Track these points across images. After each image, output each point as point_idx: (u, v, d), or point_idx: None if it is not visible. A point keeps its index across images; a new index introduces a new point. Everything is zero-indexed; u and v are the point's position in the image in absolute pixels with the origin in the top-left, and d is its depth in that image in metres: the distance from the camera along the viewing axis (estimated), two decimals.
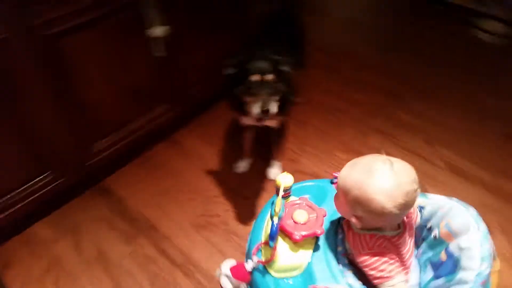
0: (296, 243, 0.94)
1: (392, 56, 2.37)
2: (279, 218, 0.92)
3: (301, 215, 0.95)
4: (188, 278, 1.33)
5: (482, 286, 0.81)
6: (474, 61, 2.32)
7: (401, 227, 0.93)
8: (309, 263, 0.94)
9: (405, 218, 0.94)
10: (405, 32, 2.60)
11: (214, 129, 1.88)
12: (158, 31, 1.42)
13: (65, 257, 1.40)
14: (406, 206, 0.83)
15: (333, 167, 1.69)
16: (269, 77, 1.26)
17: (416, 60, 2.33)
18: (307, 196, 1.03)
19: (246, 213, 1.52)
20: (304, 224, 0.94)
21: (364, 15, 2.81)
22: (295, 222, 0.94)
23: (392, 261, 0.89)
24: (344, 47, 2.47)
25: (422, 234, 1.00)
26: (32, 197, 1.38)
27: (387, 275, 0.88)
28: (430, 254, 0.95)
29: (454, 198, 0.95)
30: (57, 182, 1.43)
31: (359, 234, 0.91)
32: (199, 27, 1.62)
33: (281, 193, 0.96)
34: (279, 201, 0.93)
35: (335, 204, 0.94)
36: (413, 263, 0.97)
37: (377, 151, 1.54)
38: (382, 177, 0.82)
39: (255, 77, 1.25)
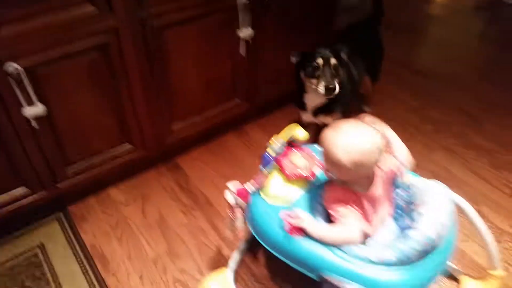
0: (288, 180, 1.11)
1: (481, 81, 2.30)
2: (274, 152, 1.11)
3: (298, 159, 1.13)
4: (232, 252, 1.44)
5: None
6: None
7: (369, 188, 1.05)
8: (297, 201, 1.10)
9: (378, 182, 1.06)
10: (504, 61, 2.49)
11: (280, 126, 1.98)
12: (246, 33, 1.58)
13: (131, 217, 1.59)
14: (362, 164, 0.97)
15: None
16: (332, 61, 1.44)
17: (506, 89, 2.23)
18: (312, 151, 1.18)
19: None
20: (299, 167, 1.12)
21: (464, 39, 2.73)
22: (292, 163, 1.12)
23: (351, 209, 1.03)
24: (434, 66, 2.45)
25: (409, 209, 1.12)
26: (114, 161, 1.59)
27: (342, 217, 1.02)
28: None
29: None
30: (137, 153, 1.64)
31: (334, 185, 1.07)
32: (281, 33, 1.76)
33: (286, 136, 1.13)
34: (278, 137, 1.12)
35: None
36: (391, 225, 1.12)
37: (442, 168, 1.52)
38: (344, 135, 0.98)
39: (319, 60, 1.43)
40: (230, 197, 1.18)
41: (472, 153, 1.84)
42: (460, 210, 1.21)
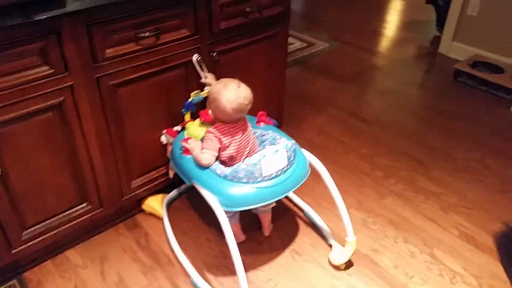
0: (202, 123, 1.56)
1: (422, 128, 2.47)
2: (193, 100, 1.57)
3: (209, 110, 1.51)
4: None
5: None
6: (505, 139, 2.37)
7: (236, 123, 1.46)
8: (202, 137, 1.50)
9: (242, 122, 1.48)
10: (440, 109, 2.69)
11: None
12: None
13: (90, 281, 1.53)
14: (238, 110, 1.40)
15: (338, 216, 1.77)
16: None
17: (445, 135, 2.41)
18: None
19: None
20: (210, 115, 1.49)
21: (405, 87, 2.94)
22: (207, 114, 1.49)
23: (213, 140, 1.42)
24: (378, 114, 2.61)
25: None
26: (70, 224, 1.54)
27: (205, 142, 1.44)
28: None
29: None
30: (94, 212, 1.60)
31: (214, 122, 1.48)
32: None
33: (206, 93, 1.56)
34: (198, 92, 1.59)
35: (207, 108, 1.49)
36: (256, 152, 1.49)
37: (394, 212, 1.65)
38: (229, 91, 1.39)
39: None
40: (163, 138, 1.64)
41: (421, 197, 1.96)
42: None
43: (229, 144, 1.44)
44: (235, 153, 1.46)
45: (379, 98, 2.80)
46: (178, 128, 1.64)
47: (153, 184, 1.76)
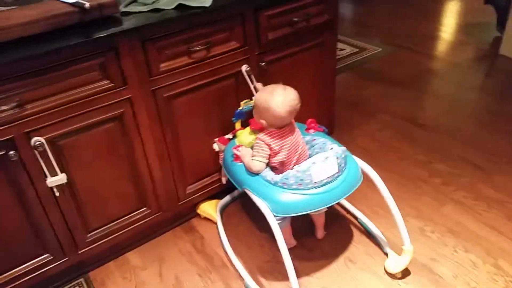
0: (252, 131, 1.59)
1: (482, 133, 2.35)
2: (243, 109, 1.62)
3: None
4: None
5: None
6: None
7: (285, 127, 1.47)
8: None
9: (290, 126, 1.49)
10: (501, 113, 2.56)
11: None
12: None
13: (149, 282, 1.61)
14: (291, 111, 1.42)
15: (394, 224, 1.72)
16: None
17: (506, 139, 2.28)
18: None
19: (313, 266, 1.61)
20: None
21: (463, 91, 2.82)
22: (256, 122, 1.52)
23: (263, 147, 1.44)
24: (435, 119, 2.52)
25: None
26: (130, 227, 1.64)
27: (256, 152, 1.45)
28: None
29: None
30: (153, 216, 1.69)
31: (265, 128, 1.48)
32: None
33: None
34: (248, 101, 1.62)
35: (255, 118, 1.51)
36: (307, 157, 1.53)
37: (454, 221, 1.58)
38: (278, 95, 1.41)
39: None
40: (215, 146, 1.69)
41: (483, 204, 1.85)
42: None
43: (280, 150, 1.46)
44: (286, 158, 1.47)
45: (435, 103, 2.70)
46: (229, 136, 1.69)
47: (207, 190, 1.82)
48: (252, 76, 1.66)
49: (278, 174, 1.43)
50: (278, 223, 1.37)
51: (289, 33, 1.71)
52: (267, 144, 1.44)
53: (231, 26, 1.55)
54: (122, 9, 1.43)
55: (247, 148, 1.52)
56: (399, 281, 1.55)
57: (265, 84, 1.66)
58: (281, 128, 1.46)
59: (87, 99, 1.34)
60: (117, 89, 1.39)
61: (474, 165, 2.09)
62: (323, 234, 1.72)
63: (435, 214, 1.83)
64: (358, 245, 1.70)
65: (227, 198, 1.93)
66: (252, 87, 1.66)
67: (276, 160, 1.47)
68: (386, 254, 1.64)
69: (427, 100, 2.76)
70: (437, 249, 1.66)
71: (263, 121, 1.45)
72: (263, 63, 1.69)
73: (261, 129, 1.52)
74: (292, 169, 1.41)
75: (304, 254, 1.67)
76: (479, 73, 3.08)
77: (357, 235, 1.75)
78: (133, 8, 1.44)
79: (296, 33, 1.74)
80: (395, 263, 1.55)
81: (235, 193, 1.96)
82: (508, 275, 1.54)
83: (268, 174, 1.43)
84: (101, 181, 1.50)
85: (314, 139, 1.59)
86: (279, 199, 1.37)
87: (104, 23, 1.34)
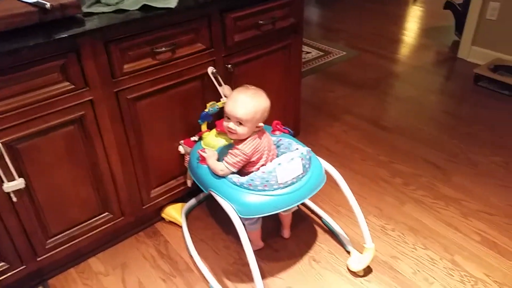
0: (219, 133, 1.60)
1: (442, 135, 2.44)
2: (209, 111, 1.60)
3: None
4: None
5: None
6: None
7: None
8: (219, 147, 1.56)
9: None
10: (460, 115, 2.66)
11: None
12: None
13: None
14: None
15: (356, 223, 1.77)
16: None
17: (464, 141, 2.38)
18: None
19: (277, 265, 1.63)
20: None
21: (424, 94, 2.92)
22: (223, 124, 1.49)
23: (241, 161, 1.43)
24: (397, 120, 2.59)
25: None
26: (92, 233, 1.60)
27: (231, 159, 1.43)
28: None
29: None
30: (116, 221, 1.66)
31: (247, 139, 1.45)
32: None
33: (222, 103, 1.60)
34: (214, 103, 1.61)
35: (243, 134, 1.43)
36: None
37: (414, 219, 1.61)
38: (264, 98, 1.46)
39: None
40: (181, 148, 1.70)
41: (441, 203, 1.93)
42: None
43: (257, 160, 1.46)
44: (256, 159, 1.47)
45: (397, 105, 2.79)
46: (195, 138, 1.69)
47: (172, 193, 1.80)
48: (219, 78, 1.66)
49: (243, 175, 1.44)
50: (250, 226, 1.38)
51: (255, 35, 1.72)
52: (247, 156, 1.43)
53: (197, 27, 1.55)
54: (85, 9, 1.40)
55: (212, 150, 1.52)
56: (362, 279, 1.59)
57: (232, 86, 1.67)
58: (255, 134, 1.46)
59: (47, 101, 1.30)
60: (78, 91, 1.35)
61: (433, 166, 2.17)
62: (289, 234, 1.74)
63: (396, 213, 1.88)
64: (322, 244, 1.73)
65: (192, 201, 1.92)
66: (220, 89, 1.65)
67: (251, 168, 1.47)
68: (348, 252, 1.68)
69: (390, 102, 2.84)
70: (397, 247, 1.71)
71: (261, 124, 1.45)
72: (229, 65, 1.69)
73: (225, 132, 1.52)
74: (258, 170, 1.42)
75: (269, 254, 1.69)
76: (439, 76, 3.20)
77: (321, 234, 1.78)
78: (96, 8, 1.41)
79: (262, 36, 1.75)
80: (357, 261, 1.59)
81: (201, 196, 1.95)
82: (463, 270, 1.61)
83: (234, 176, 1.43)
84: (61, 186, 1.46)
85: (280, 140, 1.61)
86: (244, 200, 1.38)
87: (66, 23, 1.30)
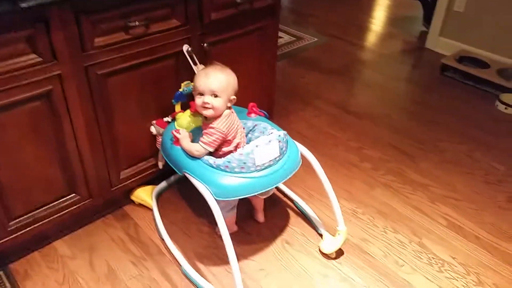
0: (193, 114, 1.54)
1: (410, 121, 2.50)
2: (184, 90, 1.54)
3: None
4: None
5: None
6: (491, 133, 2.41)
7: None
8: (193, 128, 1.53)
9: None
10: (427, 102, 2.73)
11: None
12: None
13: (79, 271, 1.52)
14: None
15: (328, 207, 1.79)
16: None
17: (432, 128, 2.44)
18: None
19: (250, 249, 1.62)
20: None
21: (392, 82, 2.96)
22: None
23: (217, 140, 1.39)
24: (367, 107, 2.62)
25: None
26: (58, 215, 1.53)
27: (207, 139, 1.39)
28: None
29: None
30: (83, 203, 1.59)
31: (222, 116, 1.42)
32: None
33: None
34: (188, 83, 1.55)
35: (219, 108, 1.40)
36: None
37: (383, 203, 1.65)
38: (232, 72, 1.43)
39: None
40: (153, 129, 1.63)
41: (409, 188, 1.98)
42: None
43: (232, 138, 1.44)
44: (231, 138, 1.45)
45: (367, 92, 2.82)
46: (168, 119, 1.63)
47: (142, 175, 1.75)
48: (195, 57, 1.61)
49: (217, 156, 1.41)
50: (226, 213, 1.36)
51: (232, 14, 1.68)
52: (223, 134, 1.40)
53: (173, 3, 1.48)
54: None
55: (186, 131, 1.48)
56: (333, 261, 1.61)
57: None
58: (228, 112, 1.43)
59: (11, 73, 1.21)
60: (46, 65, 1.27)
61: (401, 152, 2.22)
62: (263, 217, 1.74)
63: (365, 197, 1.92)
64: (295, 227, 1.74)
65: (163, 184, 1.87)
66: (194, 68, 1.60)
67: (226, 148, 1.44)
68: (320, 235, 1.69)
69: (359, 89, 2.88)
70: (368, 230, 1.75)
71: (234, 97, 1.44)
72: (205, 44, 1.64)
73: (200, 113, 1.48)
74: (235, 151, 1.40)
75: (243, 237, 1.67)
76: (407, 65, 3.27)
77: (293, 217, 1.79)
78: None
79: (239, 15, 1.71)
80: (330, 244, 1.61)
81: (172, 179, 1.90)
82: (431, 252, 1.66)
83: (210, 157, 1.40)
84: (26, 165, 1.38)
85: (256, 125, 1.59)
86: (221, 182, 1.35)
87: None
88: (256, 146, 1.35)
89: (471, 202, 1.91)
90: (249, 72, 1.92)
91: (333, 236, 1.63)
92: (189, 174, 1.41)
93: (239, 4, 1.68)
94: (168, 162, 1.54)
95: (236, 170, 1.35)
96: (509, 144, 2.32)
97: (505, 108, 2.58)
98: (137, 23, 1.41)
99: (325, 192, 1.56)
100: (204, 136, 1.41)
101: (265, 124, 1.57)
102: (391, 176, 2.05)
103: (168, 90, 1.62)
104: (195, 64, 1.61)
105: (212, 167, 1.38)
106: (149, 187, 1.82)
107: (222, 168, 1.36)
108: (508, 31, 2.91)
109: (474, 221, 1.81)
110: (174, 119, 1.61)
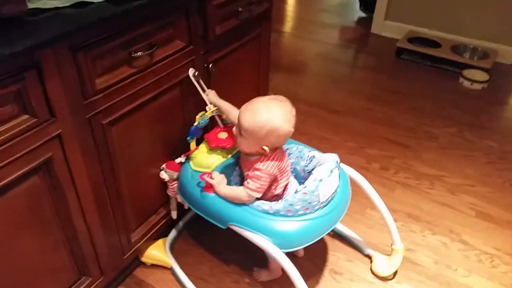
0: (211, 150, 1.31)
1: (392, 109, 2.45)
2: (200, 123, 1.29)
3: (221, 134, 1.33)
4: None
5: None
6: (466, 111, 2.44)
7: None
8: (217, 167, 1.28)
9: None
10: (397, 85, 2.71)
11: None
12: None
13: None
14: (294, 124, 1.14)
15: (365, 225, 1.68)
16: None
17: (414, 112, 2.42)
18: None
19: None
20: (221, 139, 1.32)
21: (354, 72, 2.90)
22: (216, 136, 1.32)
23: (266, 183, 1.16)
24: (343, 103, 2.52)
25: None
26: None
27: (255, 183, 1.14)
28: None
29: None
30: (95, 284, 1.26)
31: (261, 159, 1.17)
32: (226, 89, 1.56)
33: (210, 113, 1.32)
34: (203, 114, 1.31)
35: (242, 146, 1.18)
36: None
37: (409, 205, 1.48)
38: (276, 110, 1.11)
39: None
40: (164, 175, 1.34)
41: (426, 183, 1.91)
42: None
43: (280, 178, 1.21)
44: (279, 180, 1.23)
45: (336, 86, 2.72)
46: (181, 159, 1.35)
47: (153, 231, 1.44)
48: (202, 83, 1.34)
49: (264, 199, 1.19)
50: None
51: (234, 26, 1.43)
52: (272, 176, 1.17)
53: (174, 20, 1.20)
54: (31, 5, 0.95)
55: (220, 174, 1.22)
56: (391, 281, 1.47)
57: (211, 89, 1.36)
58: (276, 149, 1.19)
59: None
60: (42, 126, 0.93)
61: (399, 144, 2.15)
62: (303, 251, 1.53)
63: (390, 201, 1.80)
64: (337, 253, 1.57)
65: (173, 234, 1.58)
66: (204, 96, 1.34)
67: (275, 191, 1.22)
68: (368, 256, 1.54)
69: (327, 85, 2.76)
70: (408, 238, 1.64)
71: (266, 148, 1.13)
72: (210, 65, 1.38)
73: (224, 146, 1.28)
74: (284, 190, 1.18)
75: (286, 278, 1.45)
76: (361, 53, 3.24)
77: (330, 242, 1.61)
78: (46, 2, 0.97)
79: (240, 26, 1.46)
80: (386, 265, 1.46)
81: (180, 225, 1.62)
82: (474, 248, 1.60)
83: (263, 203, 1.16)
84: (26, 258, 1.03)
85: (287, 148, 1.37)
86: (286, 230, 1.13)
87: (7, 28, 0.86)
88: (320, 180, 1.14)
89: (485, 185, 1.89)
90: (248, 85, 1.69)
91: (387, 255, 1.48)
92: (239, 227, 1.16)
93: (240, 13, 1.43)
94: (200, 213, 1.26)
95: (300, 212, 1.13)
96: (490, 121, 2.37)
97: (471, 84, 2.65)
98: (140, 53, 1.11)
99: (352, 205, 1.38)
100: (249, 181, 1.16)
101: (298, 147, 1.36)
102: (403, 173, 1.96)
103: (175, 125, 1.35)
104: (204, 90, 1.35)
105: (269, 213, 1.14)
106: (159, 242, 1.51)
107: (282, 213, 1.13)
108: (453, 8, 2.99)
109: (497, 205, 1.79)
110: (188, 159, 1.34)
